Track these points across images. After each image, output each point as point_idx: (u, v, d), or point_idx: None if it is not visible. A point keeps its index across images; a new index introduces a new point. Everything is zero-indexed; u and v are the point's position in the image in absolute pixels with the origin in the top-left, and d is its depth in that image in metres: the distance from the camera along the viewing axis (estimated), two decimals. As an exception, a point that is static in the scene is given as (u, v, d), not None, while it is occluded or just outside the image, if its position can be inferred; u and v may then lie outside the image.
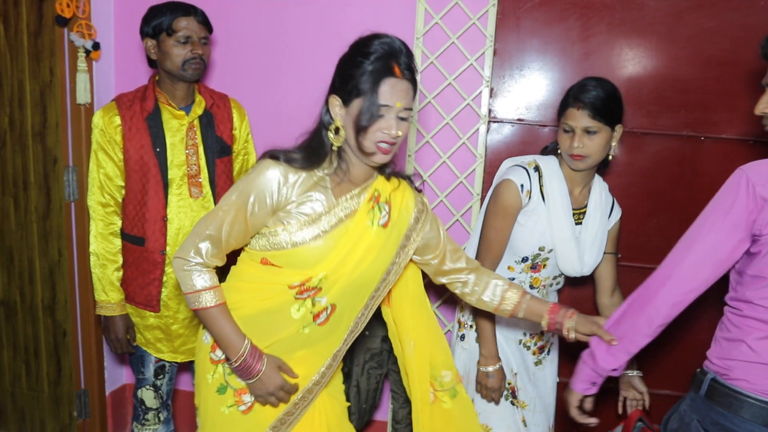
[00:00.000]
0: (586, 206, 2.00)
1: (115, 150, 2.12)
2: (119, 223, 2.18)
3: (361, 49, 1.48)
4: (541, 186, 1.93)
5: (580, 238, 1.97)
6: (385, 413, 2.68)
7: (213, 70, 2.64)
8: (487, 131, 2.56)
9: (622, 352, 1.52)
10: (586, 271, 1.99)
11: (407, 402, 2.21)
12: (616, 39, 2.45)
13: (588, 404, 1.64)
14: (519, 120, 2.58)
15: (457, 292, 1.78)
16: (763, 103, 1.46)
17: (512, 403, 2.03)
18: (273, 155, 1.53)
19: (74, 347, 2.74)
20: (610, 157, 1.95)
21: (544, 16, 2.50)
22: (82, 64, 2.55)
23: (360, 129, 1.46)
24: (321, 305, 1.54)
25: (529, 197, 1.92)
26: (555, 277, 2.05)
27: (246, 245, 1.59)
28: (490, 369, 1.96)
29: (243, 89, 2.60)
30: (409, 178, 1.71)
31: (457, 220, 2.61)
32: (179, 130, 2.15)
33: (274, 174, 1.50)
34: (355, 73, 1.46)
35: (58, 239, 2.65)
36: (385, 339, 2.15)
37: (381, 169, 1.62)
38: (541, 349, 2.09)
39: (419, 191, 1.71)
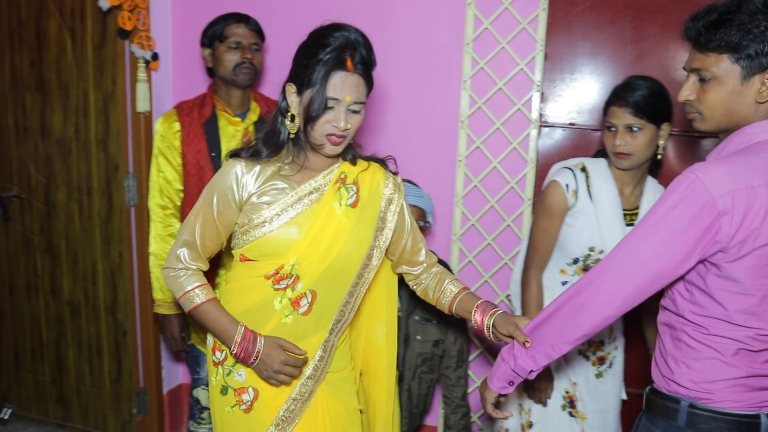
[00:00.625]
0: (638, 208, 1.96)
1: (174, 155, 2.20)
2: (177, 225, 2.26)
3: (317, 39, 1.47)
4: (588, 186, 1.93)
5: None
6: (435, 418, 2.70)
7: (268, 78, 2.70)
8: (538, 136, 2.55)
9: (542, 356, 1.42)
10: None
11: (459, 407, 2.22)
12: (671, 41, 2.41)
13: (504, 400, 1.55)
14: (570, 124, 2.56)
15: (409, 283, 1.77)
16: (686, 89, 1.37)
17: (570, 414, 2.00)
18: (233, 153, 1.57)
19: (134, 347, 2.85)
20: (659, 156, 1.91)
21: (595, 19, 2.47)
22: (142, 74, 2.65)
23: (308, 120, 1.47)
24: (299, 291, 1.54)
25: (576, 197, 1.92)
26: None
27: (233, 248, 1.62)
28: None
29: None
30: (381, 161, 1.69)
31: (508, 225, 2.60)
32: (234, 136, 2.21)
33: (232, 170, 1.53)
34: (309, 63, 1.45)
35: (119, 242, 2.76)
36: (437, 344, 2.16)
37: (344, 154, 1.61)
38: (601, 360, 2.04)
39: (394, 173, 1.69)
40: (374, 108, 2.67)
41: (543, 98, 2.55)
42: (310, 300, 1.55)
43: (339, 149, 1.53)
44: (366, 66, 1.48)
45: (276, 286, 1.54)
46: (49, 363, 3.01)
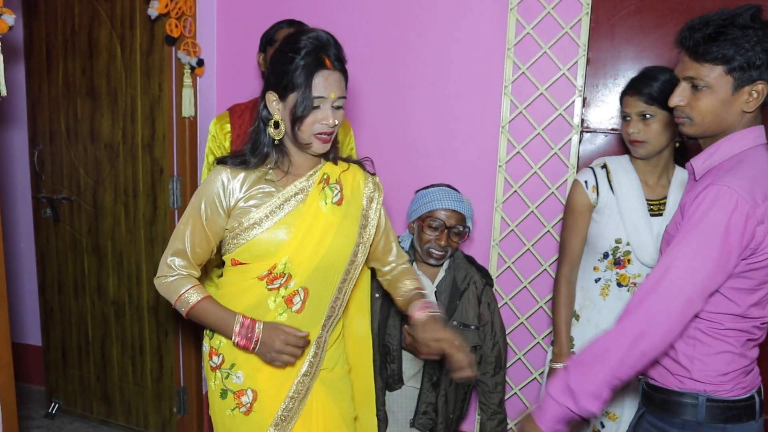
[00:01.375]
0: (665, 198, 1.97)
1: (223, 155, 2.25)
2: None
3: (291, 45, 1.52)
4: (609, 181, 1.97)
5: (661, 230, 1.91)
6: (472, 424, 2.68)
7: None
8: (580, 141, 2.52)
9: (605, 388, 1.36)
10: None
11: (495, 413, 2.19)
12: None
13: None
14: (612, 129, 2.53)
15: (379, 278, 1.83)
16: (678, 95, 1.44)
17: None
18: (220, 160, 1.61)
19: (175, 346, 2.91)
20: (677, 144, 1.94)
21: (639, 23, 2.43)
22: (187, 79, 2.73)
23: (296, 121, 1.51)
24: (291, 288, 1.57)
25: (597, 193, 1.98)
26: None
27: (223, 254, 1.66)
28: (560, 367, 1.94)
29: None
30: (359, 163, 1.74)
31: (548, 231, 2.58)
32: None
33: (218, 177, 1.57)
34: (288, 68, 1.49)
35: (163, 244, 2.80)
36: (475, 349, 2.14)
37: (325, 156, 1.66)
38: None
39: (371, 174, 1.74)
40: (415, 113, 2.68)
41: (585, 103, 2.52)
42: (303, 297, 1.59)
43: (327, 146, 1.58)
44: (341, 63, 1.54)
45: (270, 286, 1.58)
46: (94, 361, 3.10)
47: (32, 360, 3.39)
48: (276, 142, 1.58)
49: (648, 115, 1.88)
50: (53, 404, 3.21)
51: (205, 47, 2.81)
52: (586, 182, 1.99)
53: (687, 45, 1.41)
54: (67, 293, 3.11)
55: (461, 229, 2.14)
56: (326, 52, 1.50)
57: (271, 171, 1.61)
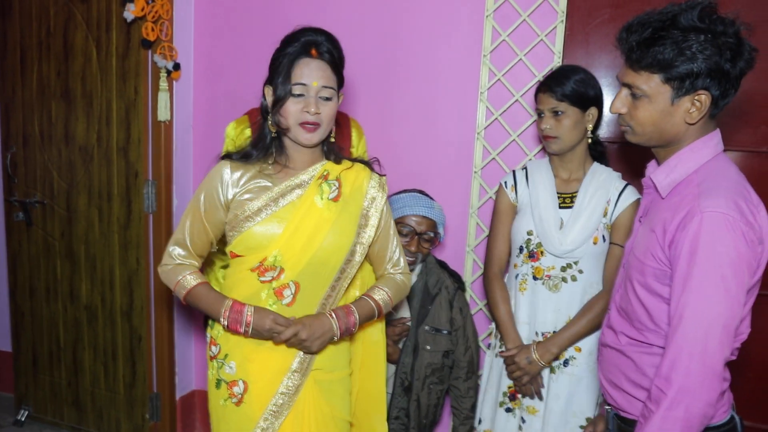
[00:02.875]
0: (577, 191, 2.03)
1: (229, 150, 2.21)
2: None
3: (287, 39, 1.57)
4: (527, 180, 2.09)
5: (569, 221, 1.99)
6: (445, 429, 2.66)
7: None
8: None
9: None
10: (568, 248, 1.96)
11: (468, 418, 2.18)
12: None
13: None
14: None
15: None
16: (618, 102, 1.36)
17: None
18: (225, 155, 1.66)
19: (148, 352, 2.87)
20: (589, 140, 2.02)
21: (613, 31, 2.37)
22: (163, 83, 2.70)
23: (275, 105, 1.54)
24: (282, 281, 1.59)
25: (515, 191, 2.11)
26: (563, 268, 1.99)
27: (226, 248, 1.68)
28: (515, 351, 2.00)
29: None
30: (366, 162, 1.75)
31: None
32: None
33: (219, 171, 1.62)
34: (278, 59, 1.55)
35: (137, 249, 2.80)
36: (447, 354, 2.14)
37: (328, 154, 1.68)
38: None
39: (381, 175, 1.74)
40: (391, 118, 2.68)
41: (560, 110, 2.52)
42: (293, 291, 1.59)
43: (314, 138, 1.58)
44: (332, 56, 1.56)
45: (261, 278, 1.60)
46: (66, 366, 3.05)
47: (1, 366, 3.33)
48: (273, 134, 1.61)
49: (559, 112, 1.97)
50: (23, 411, 3.15)
51: (181, 51, 2.79)
52: (505, 183, 2.14)
53: (622, 49, 1.31)
54: (39, 298, 3.06)
55: (431, 235, 2.14)
56: (315, 42, 1.54)
57: (269, 166, 1.64)
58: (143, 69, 2.69)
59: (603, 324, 1.56)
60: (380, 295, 1.70)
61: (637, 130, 1.34)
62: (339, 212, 1.62)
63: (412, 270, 2.15)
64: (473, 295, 2.61)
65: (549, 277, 2.00)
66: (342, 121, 2.29)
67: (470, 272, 2.62)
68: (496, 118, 2.55)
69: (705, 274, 1.19)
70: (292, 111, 1.54)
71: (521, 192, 2.10)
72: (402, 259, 1.78)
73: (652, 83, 1.27)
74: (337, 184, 1.64)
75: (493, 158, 2.57)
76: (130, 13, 2.53)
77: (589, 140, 2.04)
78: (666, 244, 1.26)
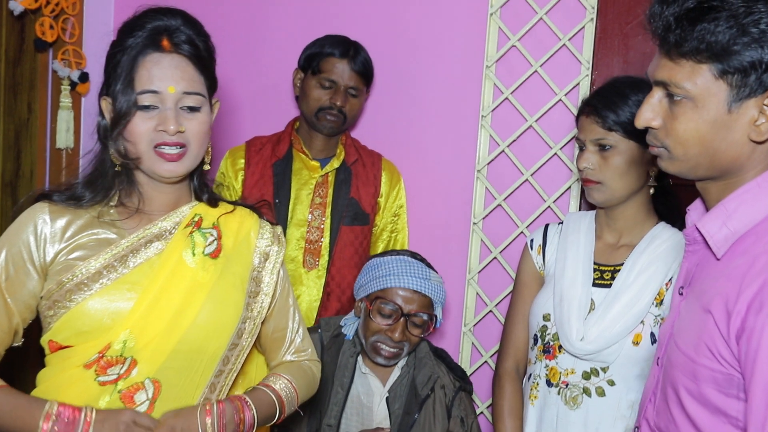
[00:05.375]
0: (622, 264, 1.58)
1: (231, 198, 2.03)
2: None
3: (125, 26, 1.24)
4: (560, 239, 1.66)
5: (602, 306, 1.52)
6: None
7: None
8: (582, 193, 2.05)
9: None
10: (590, 348, 1.48)
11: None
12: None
13: None
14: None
15: None
16: (648, 110, 1.05)
17: None
18: (43, 194, 1.28)
19: None
20: (652, 190, 1.55)
21: None
22: (65, 99, 2.32)
23: (115, 125, 1.19)
24: (133, 379, 1.22)
25: (542, 254, 1.66)
26: (586, 375, 1.52)
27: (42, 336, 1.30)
28: None
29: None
30: (251, 207, 1.42)
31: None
32: (308, 182, 2.03)
33: (32, 219, 1.24)
34: (114, 57, 1.21)
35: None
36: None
37: (199, 191, 1.35)
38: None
39: (273, 224, 1.43)
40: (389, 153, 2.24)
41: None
42: (151, 395, 1.23)
43: (179, 168, 1.22)
44: (194, 47, 1.22)
45: (101, 378, 1.22)
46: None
47: None
48: (117, 167, 1.25)
49: (608, 147, 1.50)
50: None
51: (93, 58, 2.34)
52: (531, 242, 1.68)
53: (655, 28, 1.01)
54: None
55: (424, 318, 1.73)
56: (167, 28, 1.20)
57: (111, 210, 1.28)
58: (40, 80, 2.28)
59: None
60: (281, 384, 1.32)
61: (677, 152, 1.04)
62: (220, 274, 1.29)
63: (394, 364, 1.77)
64: (474, 395, 2.08)
65: (566, 384, 1.54)
66: (369, 161, 2.06)
67: (467, 361, 2.17)
68: (503, 151, 2.12)
69: None
70: (142, 131, 1.19)
71: (550, 256, 1.64)
72: (307, 343, 1.43)
73: (698, 79, 0.99)
74: (215, 234, 1.32)
75: (499, 204, 2.11)
76: (18, 3, 2.07)
77: (652, 190, 1.55)
78: (732, 333, 0.98)
